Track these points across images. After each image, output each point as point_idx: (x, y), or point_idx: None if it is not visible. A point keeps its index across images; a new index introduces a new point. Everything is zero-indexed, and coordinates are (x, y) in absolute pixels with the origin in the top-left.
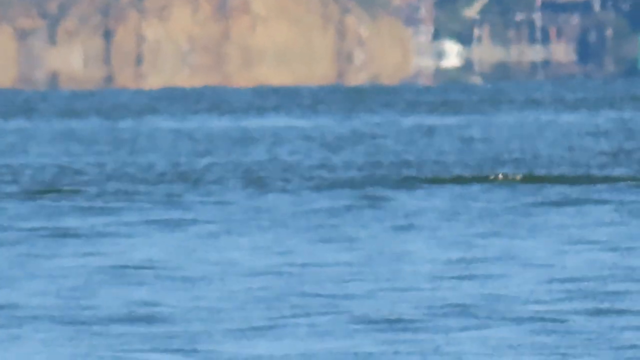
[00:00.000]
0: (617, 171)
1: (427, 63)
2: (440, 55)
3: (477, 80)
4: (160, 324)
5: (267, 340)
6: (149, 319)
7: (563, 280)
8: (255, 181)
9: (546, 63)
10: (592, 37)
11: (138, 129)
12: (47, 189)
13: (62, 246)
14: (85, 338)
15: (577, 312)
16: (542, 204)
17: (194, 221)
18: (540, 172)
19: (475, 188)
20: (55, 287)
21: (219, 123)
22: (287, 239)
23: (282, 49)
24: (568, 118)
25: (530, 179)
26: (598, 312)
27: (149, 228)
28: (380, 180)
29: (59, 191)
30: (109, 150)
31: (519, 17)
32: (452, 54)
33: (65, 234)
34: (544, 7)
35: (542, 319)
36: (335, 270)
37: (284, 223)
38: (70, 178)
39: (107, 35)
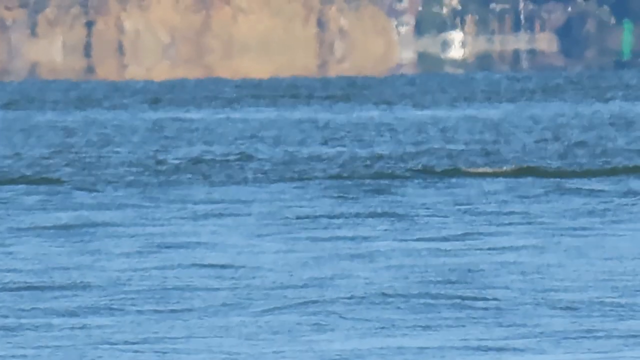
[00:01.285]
0: None
1: (409, 54)
2: (445, 46)
3: (458, 70)
4: None
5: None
6: None
7: None
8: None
9: (530, 53)
10: (576, 27)
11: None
12: None
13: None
14: None
15: None
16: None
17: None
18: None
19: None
20: None
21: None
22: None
23: (264, 40)
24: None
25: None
26: None
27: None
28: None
29: None
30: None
31: (502, 6)
32: (457, 45)
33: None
34: None
35: None
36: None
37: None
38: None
39: (88, 25)
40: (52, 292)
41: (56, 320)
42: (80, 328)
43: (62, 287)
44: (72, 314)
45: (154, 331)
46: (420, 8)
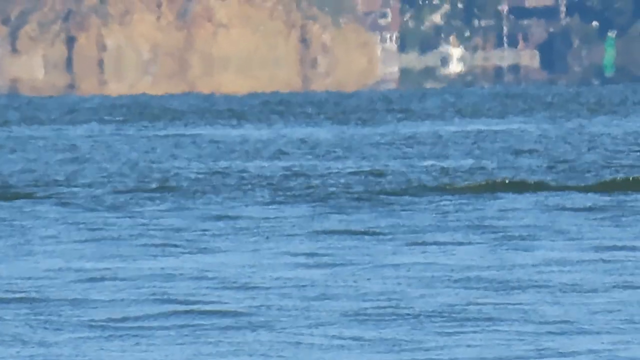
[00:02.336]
0: None
1: (392, 69)
2: (444, 60)
3: (439, 85)
4: None
5: None
6: None
7: None
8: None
9: (512, 68)
10: (559, 43)
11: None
12: None
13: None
14: None
15: None
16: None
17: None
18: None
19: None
20: None
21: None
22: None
23: (245, 56)
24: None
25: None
26: None
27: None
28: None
29: None
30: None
31: (485, 23)
32: (455, 60)
33: None
34: (510, 12)
35: None
36: None
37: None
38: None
39: (69, 41)
40: None
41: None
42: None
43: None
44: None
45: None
46: (403, 24)
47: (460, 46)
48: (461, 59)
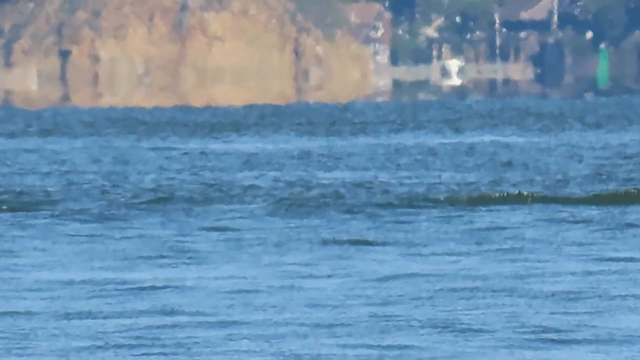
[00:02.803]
0: None
1: (384, 81)
2: (445, 73)
3: (432, 97)
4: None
5: None
6: None
7: None
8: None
9: (505, 81)
10: (551, 55)
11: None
12: None
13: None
14: None
15: None
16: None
17: None
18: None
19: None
20: None
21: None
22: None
23: (239, 69)
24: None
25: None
26: None
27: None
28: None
29: None
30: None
31: (478, 35)
32: (454, 72)
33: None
34: (503, 25)
35: None
36: None
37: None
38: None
39: (63, 55)
40: None
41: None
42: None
43: None
44: None
45: None
46: (395, 37)
47: (453, 59)
48: (454, 71)
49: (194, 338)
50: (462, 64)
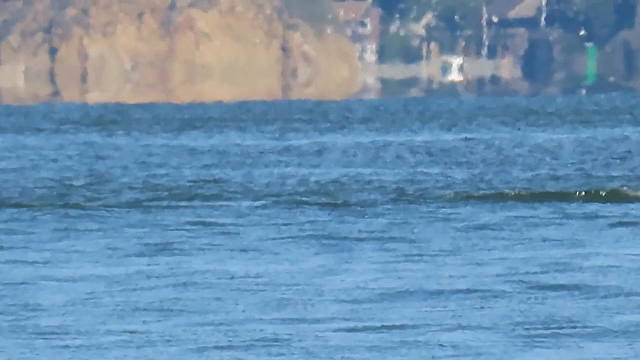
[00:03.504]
0: None
1: (372, 79)
2: (445, 70)
3: (419, 93)
4: None
5: None
6: None
7: None
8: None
9: (494, 79)
10: (540, 52)
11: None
12: None
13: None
14: None
15: None
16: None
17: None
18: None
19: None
20: None
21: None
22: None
23: (227, 66)
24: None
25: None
26: None
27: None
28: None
29: None
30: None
31: (466, 33)
32: (455, 69)
33: None
34: (491, 23)
35: None
36: None
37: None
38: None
39: (52, 52)
40: None
41: None
42: None
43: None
44: None
45: None
46: (384, 34)
47: (442, 56)
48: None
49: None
50: (448, 62)
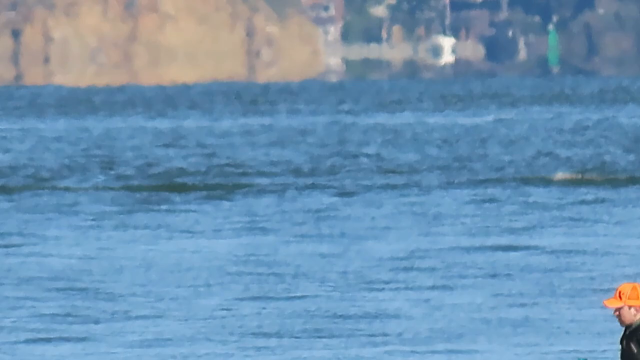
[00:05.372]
0: None
1: (336, 60)
2: (436, 51)
3: (382, 76)
4: None
5: None
6: None
7: None
8: None
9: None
10: (502, 34)
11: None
12: None
13: None
14: None
15: None
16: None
17: None
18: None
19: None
20: None
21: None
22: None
23: (191, 47)
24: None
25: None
26: None
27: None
28: None
29: None
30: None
31: (428, 14)
32: (447, 50)
33: None
34: (454, 5)
35: None
36: None
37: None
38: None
39: (15, 34)
40: None
41: None
42: None
43: None
44: None
45: None
46: (346, 16)
47: (404, 38)
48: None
49: None
50: (410, 43)
